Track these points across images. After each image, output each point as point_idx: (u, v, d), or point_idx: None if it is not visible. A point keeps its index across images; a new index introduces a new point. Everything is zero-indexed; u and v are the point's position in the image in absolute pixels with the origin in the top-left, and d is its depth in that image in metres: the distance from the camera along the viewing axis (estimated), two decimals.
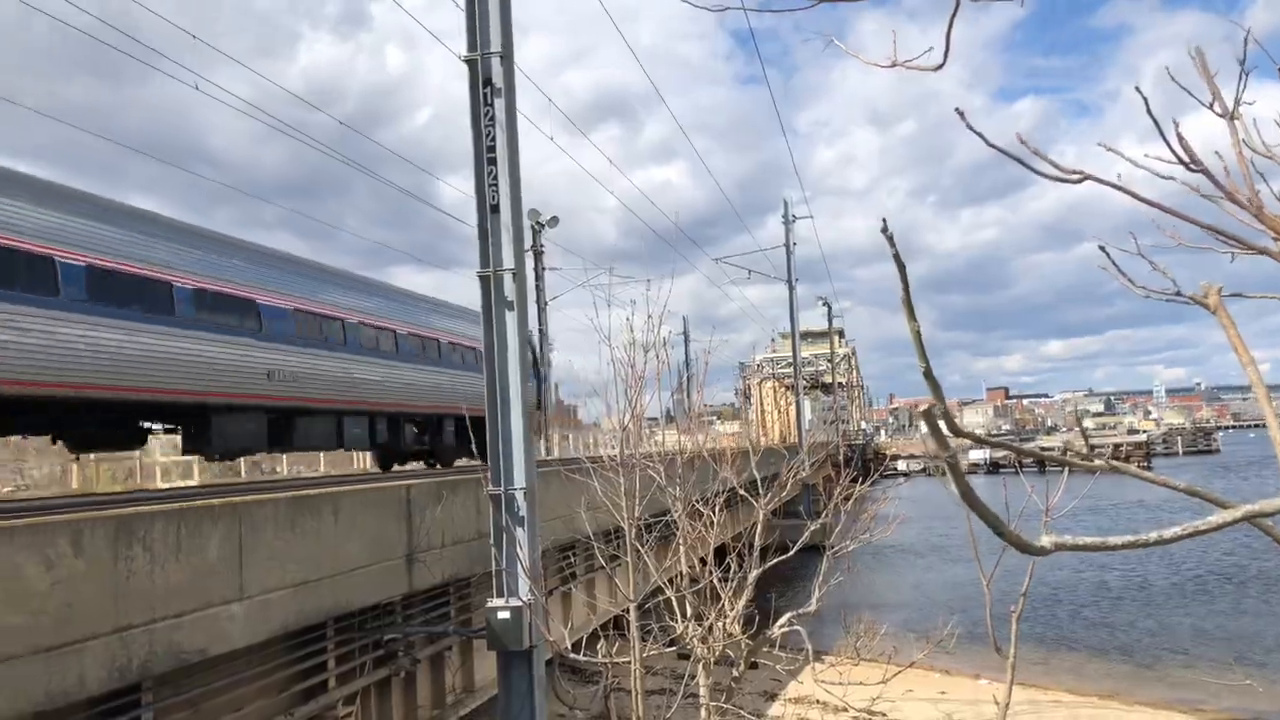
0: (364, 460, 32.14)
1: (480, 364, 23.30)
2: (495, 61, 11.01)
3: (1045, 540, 2.74)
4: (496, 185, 11.00)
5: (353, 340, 18.91)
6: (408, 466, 24.69)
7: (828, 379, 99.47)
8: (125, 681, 6.80)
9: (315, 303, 18.02)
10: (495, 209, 11.04)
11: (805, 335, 71.85)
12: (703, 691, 10.70)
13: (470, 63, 11.07)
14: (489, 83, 11.00)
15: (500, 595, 10.75)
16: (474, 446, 25.80)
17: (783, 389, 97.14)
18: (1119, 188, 3.33)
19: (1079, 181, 3.35)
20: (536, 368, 27.93)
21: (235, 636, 7.89)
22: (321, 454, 33.91)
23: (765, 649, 11.67)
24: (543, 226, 40.36)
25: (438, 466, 23.74)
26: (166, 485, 25.46)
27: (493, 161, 10.99)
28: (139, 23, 17.31)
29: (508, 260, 11.06)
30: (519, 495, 10.86)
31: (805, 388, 68.19)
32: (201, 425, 15.09)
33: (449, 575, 11.78)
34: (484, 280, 11.12)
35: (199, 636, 7.42)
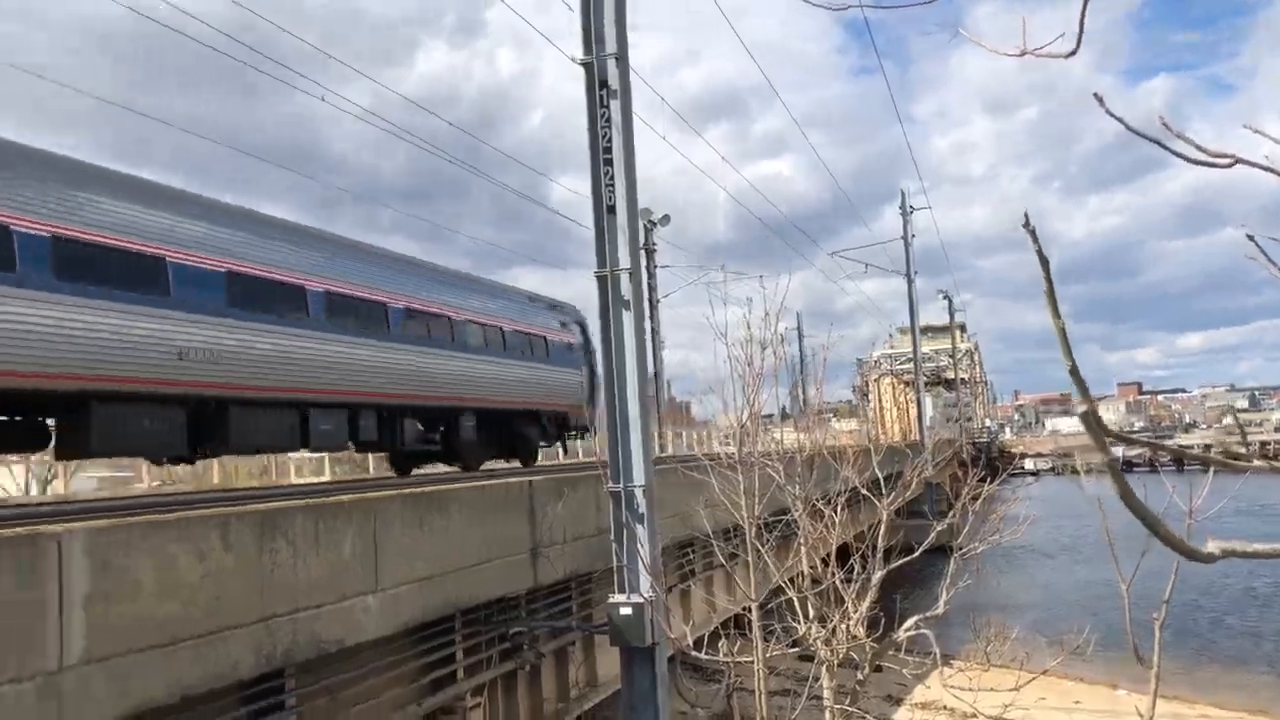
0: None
1: (507, 346, 22.74)
2: (611, 63, 11.10)
3: (1212, 546, 2.59)
4: (613, 186, 11.10)
5: (320, 314, 15.49)
6: (429, 470, 21.52)
7: (949, 375, 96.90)
8: (271, 667, 7.17)
9: (265, 266, 14.53)
10: (611, 210, 11.15)
11: (925, 330, 70.16)
12: (826, 694, 10.57)
13: (586, 65, 11.19)
14: (604, 85, 11.10)
15: (621, 591, 10.86)
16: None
17: (902, 385, 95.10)
18: (1273, 170, 3.14)
19: (1229, 165, 3.17)
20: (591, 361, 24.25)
21: (369, 628, 8.20)
22: None
23: (890, 652, 11.44)
24: (654, 225, 40.61)
25: (459, 469, 20.39)
26: (301, 481, 26.55)
27: (609, 163, 11.09)
28: (274, 41, 18.16)
29: (624, 260, 11.15)
30: (638, 492, 10.95)
31: (926, 384, 66.55)
32: (79, 419, 11.86)
33: (570, 571, 11.96)
34: (601, 280, 11.25)
35: (336, 627, 7.75)
